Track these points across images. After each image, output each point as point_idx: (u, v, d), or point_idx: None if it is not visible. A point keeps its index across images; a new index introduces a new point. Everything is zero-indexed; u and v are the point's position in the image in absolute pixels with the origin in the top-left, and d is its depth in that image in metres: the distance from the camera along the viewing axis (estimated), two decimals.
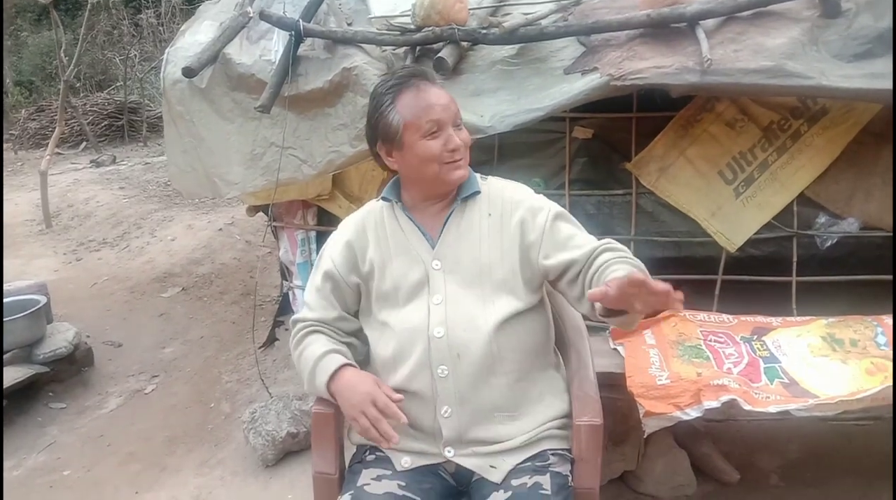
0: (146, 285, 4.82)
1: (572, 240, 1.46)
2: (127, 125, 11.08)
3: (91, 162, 8.96)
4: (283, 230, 3.42)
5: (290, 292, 3.57)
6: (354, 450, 1.54)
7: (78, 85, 12.27)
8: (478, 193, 1.51)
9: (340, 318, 1.54)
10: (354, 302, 1.56)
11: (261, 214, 3.58)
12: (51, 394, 3.35)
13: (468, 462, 1.43)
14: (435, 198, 1.52)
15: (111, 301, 4.57)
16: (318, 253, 3.21)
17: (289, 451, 2.68)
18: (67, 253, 5.69)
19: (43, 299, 3.48)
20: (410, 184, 1.52)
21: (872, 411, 2.57)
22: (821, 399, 1.77)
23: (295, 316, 1.57)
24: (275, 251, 3.69)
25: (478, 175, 1.55)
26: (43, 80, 13.34)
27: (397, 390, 1.42)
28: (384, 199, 1.55)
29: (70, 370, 3.48)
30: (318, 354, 1.46)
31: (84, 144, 10.35)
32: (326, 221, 3.13)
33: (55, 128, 7.57)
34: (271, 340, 3.67)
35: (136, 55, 12.03)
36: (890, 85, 2.07)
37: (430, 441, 1.45)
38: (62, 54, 7.75)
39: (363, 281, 1.53)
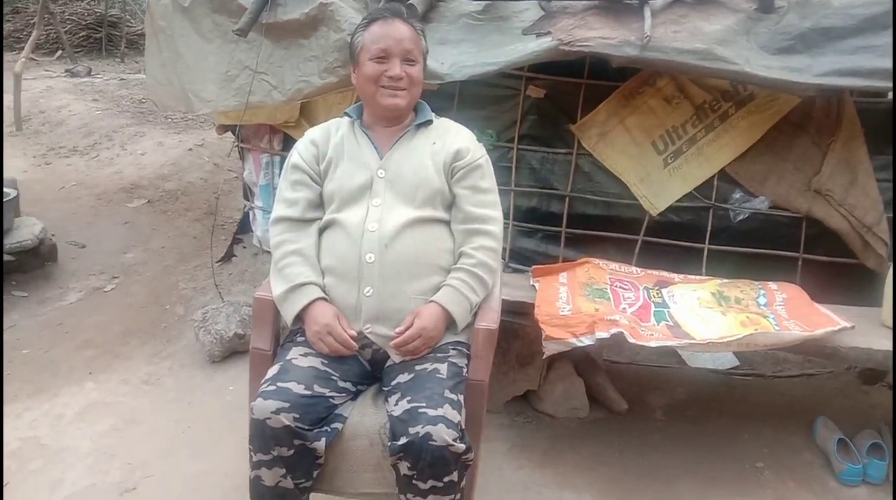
0: (113, 193, 4.95)
1: (480, 195, 1.81)
2: (105, 39, 10.94)
3: (66, 71, 8.90)
4: (249, 152, 3.61)
5: (251, 212, 3.77)
6: (287, 332, 1.79)
7: None
8: (430, 121, 1.86)
9: (309, 206, 1.81)
10: (318, 195, 1.83)
11: (229, 134, 3.74)
12: (14, 283, 3.52)
13: (380, 340, 1.70)
14: (383, 121, 1.82)
15: (77, 205, 4.70)
16: (280, 177, 3.42)
17: (235, 350, 2.90)
18: (37, 156, 5.76)
19: (13, 193, 3.61)
20: (365, 104, 1.85)
21: (758, 368, 2.91)
22: (695, 340, 2.06)
23: (274, 215, 1.84)
24: (240, 176, 3.87)
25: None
26: None
27: (328, 271, 1.74)
28: (346, 115, 1.88)
29: (34, 263, 3.64)
30: (297, 281, 1.71)
31: (59, 52, 10.20)
32: (291, 147, 3.28)
33: (31, 32, 7.49)
34: (229, 256, 3.87)
35: None
36: (803, 79, 2.34)
37: (352, 319, 1.71)
38: None
39: (321, 176, 1.82)
